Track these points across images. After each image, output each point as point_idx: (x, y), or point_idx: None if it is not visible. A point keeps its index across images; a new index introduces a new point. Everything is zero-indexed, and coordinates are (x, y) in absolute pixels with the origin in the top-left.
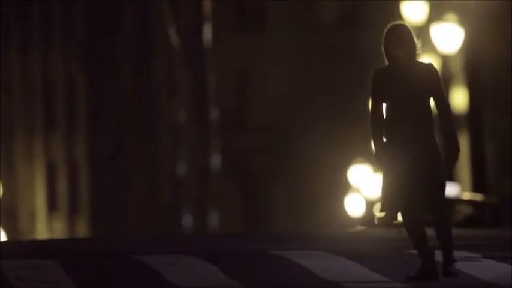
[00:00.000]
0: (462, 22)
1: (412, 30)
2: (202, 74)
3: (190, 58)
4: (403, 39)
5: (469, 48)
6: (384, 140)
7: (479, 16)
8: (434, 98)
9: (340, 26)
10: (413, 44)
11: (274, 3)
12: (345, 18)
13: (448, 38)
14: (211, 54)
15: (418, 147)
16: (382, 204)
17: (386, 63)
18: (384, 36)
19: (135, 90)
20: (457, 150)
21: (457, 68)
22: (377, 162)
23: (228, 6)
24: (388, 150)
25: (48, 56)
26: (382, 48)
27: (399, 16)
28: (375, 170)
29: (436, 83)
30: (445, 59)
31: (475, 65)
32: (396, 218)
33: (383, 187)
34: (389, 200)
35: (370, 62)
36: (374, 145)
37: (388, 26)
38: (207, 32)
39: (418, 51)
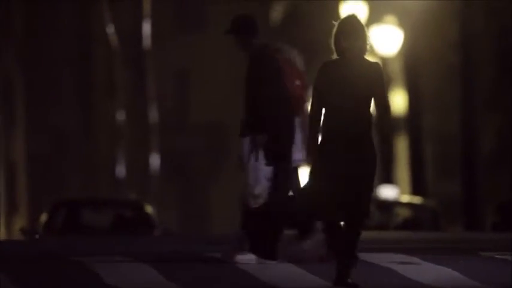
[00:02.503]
0: (401, 24)
1: (363, 24)
2: (141, 74)
3: (129, 58)
4: (356, 32)
5: (408, 50)
6: (319, 136)
7: (418, 18)
8: (375, 99)
9: (280, 27)
10: (365, 38)
11: (215, 4)
12: (285, 18)
13: (387, 40)
14: (151, 54)
15: (353, 151)
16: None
17: (335, 57)
18: (335, 28)
19: (73, 90)
20: (389, 152)
21: (396, 70)
22: (310, 156)
23: (168, 7)
24: (322, 149)
25: None
26: (332, 41)
27: (338, 17)
28: (308, 165)
29: (379, 84)
30: (384, 61)
31: (414, 67)
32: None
33: (309, 184)
34: (309, 198)
35: (311, 62)
36: (310, 138)
37: (341, 18)
38: (147, 32)
39: (368, 46)
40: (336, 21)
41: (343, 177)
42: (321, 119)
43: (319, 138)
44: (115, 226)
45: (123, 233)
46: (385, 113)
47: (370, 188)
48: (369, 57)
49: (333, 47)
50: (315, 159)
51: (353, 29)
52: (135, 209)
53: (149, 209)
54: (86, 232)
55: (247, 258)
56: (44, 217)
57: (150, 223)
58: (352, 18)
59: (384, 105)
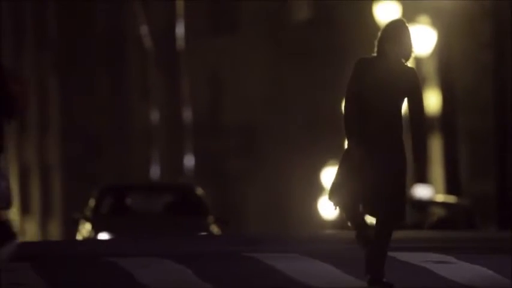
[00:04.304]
0: (435, 24)
1: (409, 31)
2: (175, 75)
3: (162, 59)
4: (398, 37)
5: (442, 50)
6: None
7: (452, 18)
8: (409, 103)
9: (314, 27)
10: (407, 45)
11: (247, 4)
12: (318, 19)
13: (421, 40)
14: (184, 55)
15: (384, 151)
16: (332, 192)
17: (374, 54)
18: (381, 30)
19: (107, 92)
20: (423, 159)
21: (430, 70)
22: (354, 154)
23: (201, 7)
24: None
25: (20, 59)
26: (376, 41)
27: (372, 17)
28: (351, 164)
29: (415, 88)
30: (418, 61)
31: (448, 67)
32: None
33: (337, 176)
34: (340, 190)
35: (344, 63)
36: (349, 137)
37: (389, 21)
38: (180, 33)
39: (410, 53)
40: (369, 22)
41: (376, 177)
42: (356, 116)
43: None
44: (166, 210)
45: (174, 217)
46: (419, 120)
47: (403, 190)
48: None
49: (375, 46)
50: (361, 155)
51: (397, 34)
52: (186, 192)
53: (200, 192)
54: (135, 217)
55: None
56: (91, 202)
57: (202, 207)
58: (398, 23)
59: (418, 110)
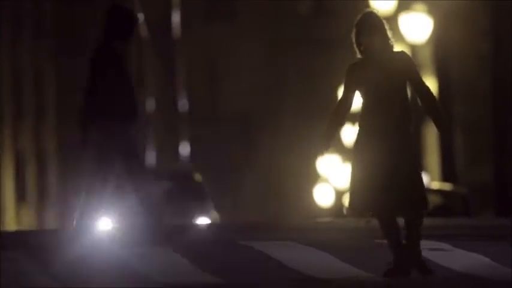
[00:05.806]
0: (431, 12)
1: (382, 18)
2: (171, 63)
3: (159, 47)
4: (374, 28)
5: (438, 38)
6: (357, 130)
7: (447, 6)
8: (412, 86)
9: (310, 16)
10: (385, 32)
11: None
12: (314, 8)
13: (417, 28)
14: (181, 43)
15: (393, 141)
16: (351, 199)
17: (359, 56)
18: (354, 26)
19: None
20: (447, 128)
21: (426, 58)
22: (320, 145)
23: None
24: (362, 141)
25: (17, 46)
26: (353, 40)
27: (368, 6)
28: (316, 154)
29: (411, 70)
30: (414, 49)
31: (444, 55)
32: (365, 212)
33: (352, 180)
34: (358, 194)
35: (340, 52)
36: (325, 129)
37: (358, 16)
38: (176, 21)
39: (390, 40)
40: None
41: (390, 172)
42: (341, 119)
43: (356, 136)
44: (166, 195)
45: (174, 202)
46: (428, 97)
47: (419, 179)
48: (398, 46)
49: (355, 47)
50: (323, 152)
51: (369, 26)
52: (185, 178)
53: (200, 178)
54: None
55: None
56: None
57: (201, 192)
58: (366, 16)
59: (423, 89)
